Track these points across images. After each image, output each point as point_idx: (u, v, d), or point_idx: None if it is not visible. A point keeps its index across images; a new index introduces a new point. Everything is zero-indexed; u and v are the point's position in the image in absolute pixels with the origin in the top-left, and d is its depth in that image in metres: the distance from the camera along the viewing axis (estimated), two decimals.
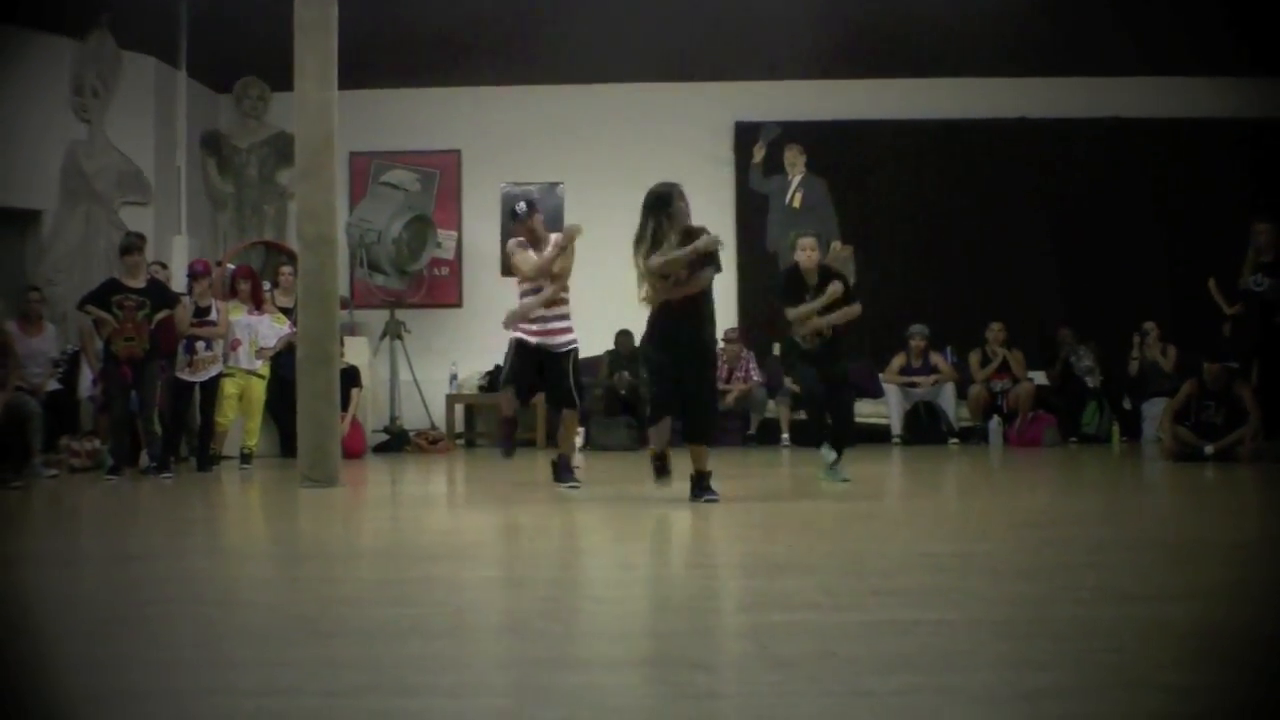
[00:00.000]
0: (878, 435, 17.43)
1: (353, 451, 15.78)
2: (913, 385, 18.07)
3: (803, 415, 17.15)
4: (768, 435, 18.17)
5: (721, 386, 16.20)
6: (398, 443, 18.08)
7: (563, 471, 11.76)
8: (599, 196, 18.38)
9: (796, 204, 19.41)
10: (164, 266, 16.33)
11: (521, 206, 11.85)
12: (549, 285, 11.62)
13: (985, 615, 5.73)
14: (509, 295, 12.28)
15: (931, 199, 19.53)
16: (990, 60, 19.11)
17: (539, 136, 19.82)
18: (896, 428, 17.96)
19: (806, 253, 11.74)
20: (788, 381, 17.76)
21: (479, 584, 6.99)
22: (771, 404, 18.23)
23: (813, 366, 11.67)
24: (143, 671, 4.84)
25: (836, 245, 19.24)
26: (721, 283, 10.69)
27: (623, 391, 17.92)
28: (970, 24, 18.53)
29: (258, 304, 15.68)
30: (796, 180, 19.61)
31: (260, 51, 17.82)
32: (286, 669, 4.87)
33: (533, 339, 11.65)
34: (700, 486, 10.31)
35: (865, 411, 16.99)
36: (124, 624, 5.75)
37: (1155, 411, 16.86)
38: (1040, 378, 18.39)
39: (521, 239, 11.81)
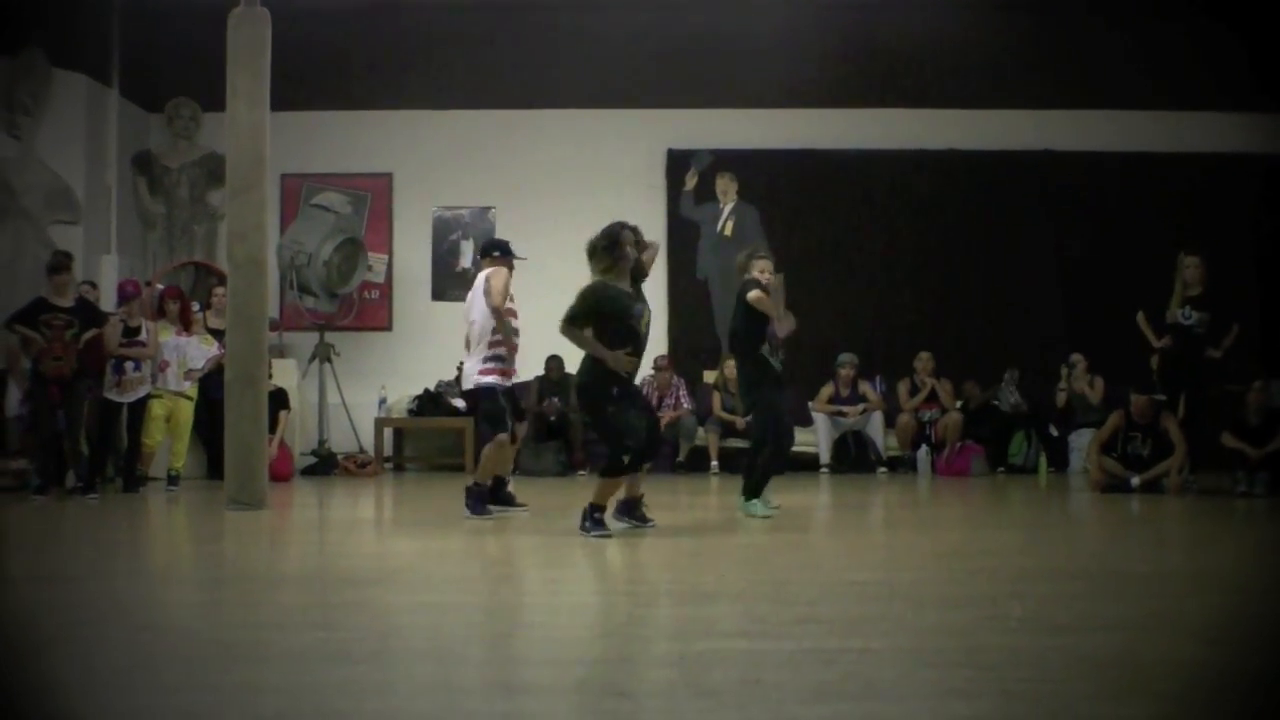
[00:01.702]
0: (806, 464, 17.40)
1: (280, 474, 15.67)
2: (841, 414, 18.04)
3: (731, 444, 17.25)
4: (697, 463, 18.13)
5: None
6: (325, 466, 17.93)
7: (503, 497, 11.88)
8: (530, 221, 18.31)
9: (728, 232, 19.40)
10: (93, 286, 16.23)
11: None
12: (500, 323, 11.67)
13: (911, 644, 5.75)
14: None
15: (862, 228, 19.57)
16: (918, 91, 19.22)
17: (471, 160, 19.74)
18: (825, 457, 17.87)
19: (766, 276, 11.53)
20: (718, 409, 17.82)
21: (405, 609, 6.96)
22: (701, 432, 18.19)
23: (780, 393, 11.67)
24: (69, 695, 4.81)
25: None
26: (652, 309, 10.64)
27: (552, 418, 17.86)
28: (900, 56, 18.70)
29: (186, 325, 15.51)
30: (728, 208, 19.61)
31: (192, 71, 17.74)
32: (211, 693, 4.84)
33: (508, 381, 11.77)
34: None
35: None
36: (51, 647, 5.69)
37: (1082, 442, 16.91)
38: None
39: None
